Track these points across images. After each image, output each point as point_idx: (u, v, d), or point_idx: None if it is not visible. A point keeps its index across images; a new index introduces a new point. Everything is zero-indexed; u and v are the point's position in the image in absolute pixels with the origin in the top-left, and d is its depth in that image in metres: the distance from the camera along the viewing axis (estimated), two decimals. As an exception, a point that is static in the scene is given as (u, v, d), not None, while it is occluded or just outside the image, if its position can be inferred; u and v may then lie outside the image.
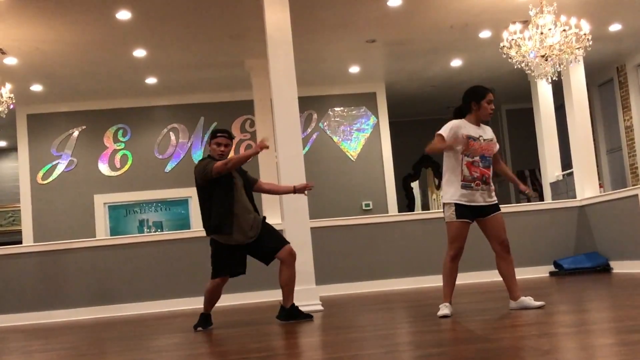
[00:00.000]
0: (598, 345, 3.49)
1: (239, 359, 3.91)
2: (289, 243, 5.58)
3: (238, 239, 5.46)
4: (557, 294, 5.21)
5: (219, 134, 5.66)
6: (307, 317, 5.60)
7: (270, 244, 5.52)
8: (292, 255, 5.53)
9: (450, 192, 4.98)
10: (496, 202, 5.08)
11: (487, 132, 5.09)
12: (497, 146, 5.16)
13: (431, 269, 9.54)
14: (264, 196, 10.36)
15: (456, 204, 4.95)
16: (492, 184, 5.04)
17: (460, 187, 4.94)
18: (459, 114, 5.15)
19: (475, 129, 5.03)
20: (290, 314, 5.56)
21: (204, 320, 5.71)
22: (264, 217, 5.71)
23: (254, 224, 5.52)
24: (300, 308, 5.71)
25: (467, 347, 3.67)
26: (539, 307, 4.90)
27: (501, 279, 5.16)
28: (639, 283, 7.11)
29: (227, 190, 5.45)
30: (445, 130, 4.99)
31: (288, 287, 5.54)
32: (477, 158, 4.95)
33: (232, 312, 7.51)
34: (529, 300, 4.95)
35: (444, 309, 4.93)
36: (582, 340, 3.66)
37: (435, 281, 9.41)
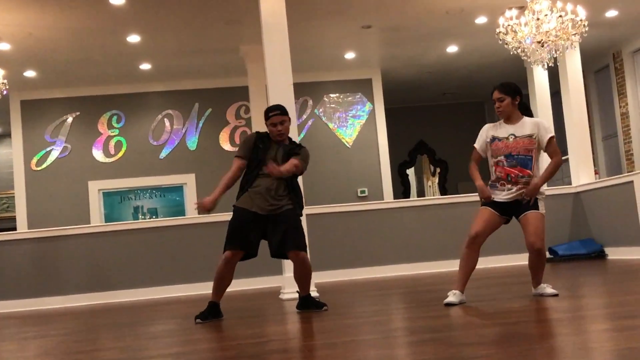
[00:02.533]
0: (592, 331, 3.50)
1: (234, 344, 3.91)
2: (304, 251, 5.16)
3: (253, 204, 5.06)
4: (552, 280, 5.21)
5: (270, 113, 5.20)
6: (319, 306, 5.26)
7: (285, 239, 5.07)
8: (302, 262, 5.17)
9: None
10: (524, 195, 4.80)
11: (525, 129, 4.85)
12: (552, 141, 4.87)
13: (426, 255, 9.57)
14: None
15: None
16: (524, 184, 4.78)
17: (489, 186, 4.94)
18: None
19: (506, 128, 4.87)
20: (303, 303, 5.35)
21: (210, 310, 5.12)
22: (298, 213, 5.23)
23: (274, 203, 5.09)
24: (295, 295, 5.66)
25: (461, 333, 3.68)
26: (552, 295, 4.80)
27: (521, 263, 5.17)
28: (634, 269, 7.13)
29: (259, 163, 5.15)
30: (477, 141, 5.04)
31: (301, 282, 5.30)
32: (501, 158, 4.82)
33: (228, 299, 7.49)
34: (543, 288, 4.90)
35: (450, 297, 4.80)
36: (576, 326, 3.67)
37: (430, 267, 9.44)
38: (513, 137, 4.83)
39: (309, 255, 6.68)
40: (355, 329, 4.25)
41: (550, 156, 4.91)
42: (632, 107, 12.57)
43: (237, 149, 5.36)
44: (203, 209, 5.09)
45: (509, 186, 4.82)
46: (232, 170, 5.25)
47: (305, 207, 6.96)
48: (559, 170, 11.68)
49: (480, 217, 4.88)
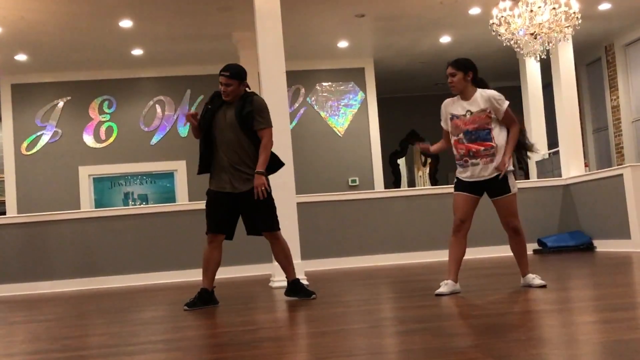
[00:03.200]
0: (580, 322, 3.52)
1: (224, 332, 3.92)
2: (275, 230, 5.17)
3: (223, 184, 5.04)
4: (541, 271, 5.24)
5: (220, 72, 5.17)
6: (307, 295, 5.26)
7: (257, 220, 5.11)
8: (276, 240, 5.20)
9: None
10: (504, 177, 4.81)
11: (479, 104, 4.84)
12: (507, 112, 4.81)
13: (416, 245, 9.61)
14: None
15: (457, 178, 4.99)
16: (491, 157, 4.79)
17: (457, 165, 4.99)
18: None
19: (462, 104, 4.90)
20: (290, 289, 5.34)
21: (200, 297, 5.08)
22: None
23: (243, 182, 5.02)
24: (285, 283, 5.66)
25: (449, 324, 3.70)
26: (540, 287, 4.83)
27: (509, 254, 5.24)
28: (622, 262, 7.18)
29: (211, 133, 5.16)
30: (442, 120, 5.11)
31: (281, 263, 5.32)
32: (461, 135, 4.86)
33: (218, 286, 7.50)
34: (531, 279, 4.92)
35: (442, 287, 4.83)
36: (564, 318, 3.69)
37: (420, 257, 9.48)
38: (470, 113, 4.87)
39: (298, 243, 6.73)
40: (345, 317, 4.27)
41: (508, 127, 4.89)
42: (623, 100, 12.61)
43: None
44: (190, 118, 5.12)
45: (474, 161, 4.84)
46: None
47: (295, 195, 6.99)
48: (550, 162, 11.70)
49: (459, 203, 4.93)
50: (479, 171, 4.84)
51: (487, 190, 4.92)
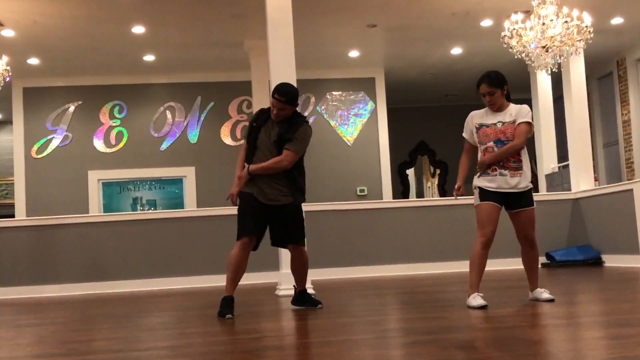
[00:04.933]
0: (588, 338, 3.50)
1: (229, 340, 3.91)
2: (302, 245, 5.19)
3: (255, 190, 4.98)
4: (549, 285, 5.22)
5: (275, 95, 5.01)
6: (314, 304, 5.27)
7: (284, 232, 5.09)
8: (300, 254, 5.17)
9: (475, 177, 4.92)
10: (526, 191, 4.82)
11: (511, 115, 4.85)
12: (520, 126, 4.79)
13: (424, 256, 9.57)
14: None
15: (480, 188, 4.84)
16: (518, 171, 4.77)
17: (478, 176, 4.89)
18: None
19: (494, 116, 4.88)
20: (297, 299, 5.35)
21: (227, 304, 4.88)
22: (298, 204, 5.13)
23: (273, 186, 4.99)
24: (291, 292, 5.65)
25: (456, 336, 3.68)
26: (548, 301, 4.79)
27: (517, 267, 5.15)
28: (631, 277, 7.13)
29: (254, 144, 5.08)
30: (465, 131, 5.05)
31: (297, 275, 5.29)
32: (490, 144, 4.81)
33: (223, 293, 7.50)
34: (539, 293, 4.88)
35: (479, 299, 4.67)
36: (572, 333, 3.67)
37: (427, 268, 9.45)
38: (501, 123, 4.85)
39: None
40: (351, 328, 4.25)
41: (512, 137, 4.82)
42: (634, 114, 12.57)
43: (237, 143, 5.28)
44: (234, 199, 5.02)
45: (502, 171, 4.79)
46: (241, 156, 5.15)
47: (304, 203, 6.97)
48: (560, 175, 11.64)
49: (489, 212, 4.79)
50: (506, 182, 4.78)
51: (510, 203, 4.84)
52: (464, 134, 5.05)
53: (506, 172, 4.79)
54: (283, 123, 5.04)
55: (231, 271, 4.94)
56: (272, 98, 5.03)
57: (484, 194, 4.83)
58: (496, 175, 4.80)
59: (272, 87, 6.95)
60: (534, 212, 4.88)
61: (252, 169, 4.97)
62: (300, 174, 5.14)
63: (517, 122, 4.82)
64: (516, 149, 4.78)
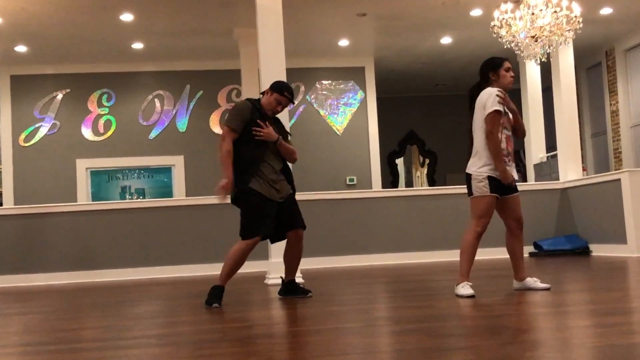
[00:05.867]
0: (575, 326, 3.52)
1: (219, 328, 3.91)
2: (303, 228, 5.21)
3: (270, 193, 4.98)
4: (536, 274, 5.24)
5: (285, 93, 5.14)
6: (305, 292, 5.27)
7: (292, 218, 5.13)
8: (300, 239, 5.22)
9: (480, 163, 4.77)
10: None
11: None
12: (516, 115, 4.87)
13: (412, 246, 9.60)
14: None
15: (489, 177, 4.76)
16: (510, 158, 4.83)
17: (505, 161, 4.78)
18: (478, 89, 4.89)
19: (498, 102, 4.78)
20: (287, 289, 5.33)
21: (217, 294, 4.92)
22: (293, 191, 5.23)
23: (285, 190, 5.10)
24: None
25: (443, 324, 3.70)
26: (545, 289, 4.80)
27: (506, 257, 5.10)
28: (618, 266, 7.18)
29: (256, 142, 5.02)
30: (496, 103, 4.72)
31: (290, 263, 5.31)
32: (510, 132, 4.82)
33: (212, 282, 7.50)
34: (533, 282, 4.88)
35: (469, 288, 4.69)
36: (559, 321, 3.70)
37: (416, 258, 9.48)
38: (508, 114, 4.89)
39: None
40: (340, 316, 4.26)
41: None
42: (623, 105, 12.62)
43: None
44: (226, 192, 4.93)
45: (510, 159, 4.83)
46: (229, 147, 4.99)
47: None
48: (548, 165, 11.70)
49: (490, 207, 4.78)
50: (514, 174, 4.84)
51: (505, 190, 4.84)
52: (499, 107, 4.73)
53: (511, 164, 4.85)
54: (278, 122, 5.29)
55: (231, 266, 4.97)
56: (281, 96, 5.10)
57: (493, 186, 4.76)
58: (510, 163, 4.82)
59: (262, 75, 6.95)
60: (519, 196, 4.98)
61: (280, 141, 5.07)
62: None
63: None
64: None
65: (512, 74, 4.89)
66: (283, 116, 6.82)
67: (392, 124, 15.05)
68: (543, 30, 8.30)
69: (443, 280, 6.24)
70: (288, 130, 5.43)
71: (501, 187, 4.79)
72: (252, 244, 4.95)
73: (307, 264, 8.13)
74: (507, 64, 4.90)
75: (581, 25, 8.42)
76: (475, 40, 11.73)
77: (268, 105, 5.11)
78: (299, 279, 6.39)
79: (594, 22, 10.90)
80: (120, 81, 12.38)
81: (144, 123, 12.41)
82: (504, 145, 4.77)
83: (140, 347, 3.40)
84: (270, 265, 6.74)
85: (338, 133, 12.85)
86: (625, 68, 12.59)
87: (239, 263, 4.99)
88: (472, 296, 4.63)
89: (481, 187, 4.77)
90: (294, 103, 5.30)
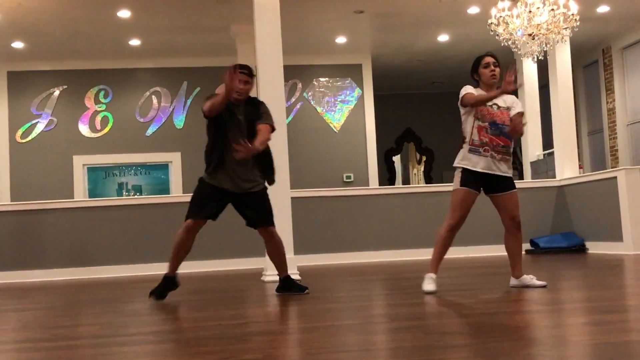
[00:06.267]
0: (571, 324, 3.53)
1: (215, 325, 3.91)
2: (273, 225, 5.18)
3: (224, 183, 5.03)
4: (533, 272, 5.25)
5: (239, 68, 5.04)
6: (300, 290, 5.27)
7: (256, 216, 5.11)
8: (271, 235, 5.19)
9: (460, 156, 4.87)
10: (511, 176, 4.88)
11: (506, 101, 4.88)
12: (517, 114, 4.86)
13: (409, 243, 9.61)
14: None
15: (463, 169, 4.83)
16: (506, 156, 4.82)
17: (468, 151, 4.83)
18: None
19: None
20: (283, 286, 5.33)
21: (166, 285, 5.15)
22: (266, 186, 5.19)
23: (249, 177, 5.05)
24: (277, 277, 5.66)
25: (440, 322, 3.70)
26: (542, 287, 4.82)
27: (503, 254, 5.15)
28: (614, 264, 7.20)
29: (222, 130, 5.05)
30: (467, 89, 4.86)
31: (274, 261, 5.33)
32: (486, 124, 4.80)
33: (209, 279, 7.51)
34: (530, 279, 4.90)
35: (430, 284, 4.78)
36: (555, 319, 3.70)
37: (412, 255, 9.48)
38: (497, 106, 4.86)
39: (291, 237, 6.74)
40: (336, 313, 4.27)
41: (507, 123, 4.88)
42: (619, 103, 12.64)
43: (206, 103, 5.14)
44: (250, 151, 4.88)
45: (493, 153, 4.80)
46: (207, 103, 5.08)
47: (290, 190, 6.98)
48: (544, 163, 11.73)
49: (461, 200, 4.83)
50: (493, 165, 4.80)
51: (492, 186, 4.86)
52: (470, 89, 4.86)
53: (496, 155, 4.81)
54: (246, 105, 5.14)
55: (175, 252, 5.12)
56: (234, 73, 4.89)
57: (465, 179, 4.82)
58: (487, 156, 4.80)
59: (260, 72, 6.96)
60: (517, 195, 4.92)
61: (259, 146, 4.92)
62: (268, 155, 5.19)
63: (516, 111, 4.86)
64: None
65: (493, 68, 4.88)
66: (280, 110, 6.84)
67: (389, 121, 15.05)
68: (540, 28, 8.30)
69: (439, 277, 6.23)
70: (262, 110, 5.17)
71: (481, 180, 4.80)
72: (184, 227, 5.07)
73: (303, 260, 8.14)
74: (485, 60, 4.93)
75: (578, 23, 8.43)
76: (473, 37, 11.73)
77: (231, 90, 4.94)
78: (295, 275, 6.40)
79: (591, 20, 10.91)
80: (117, 78, 12.36)
81: (141, 120, 12.39)
82: (476, 137, 4.81)
83: (137, 343, 3.40)
84: (267, 262, 6.72)
85: (335, 130, 12.85)
86: (622, 66, 12.60)
87: (178, 247, 5.10)
88: (432, 292, 4.72)
89: (455, 180, 4.88)
90: (253, 75, 5.15)
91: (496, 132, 4.81)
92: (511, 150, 4.89)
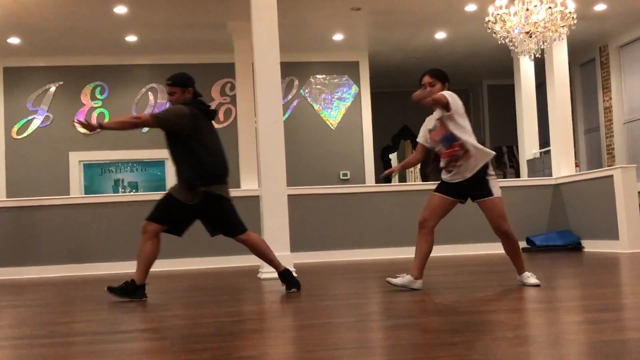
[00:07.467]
0: (566, 322, 3.53)
1: (210, 322, 3.91)
2: (239, 234, 5.17)
3: (182, 196, 5.26)
4: (529, 270, 5.25)
5: (166, 82, 5.27)
6: (290, 287, 5.26)
7: (224, 227, 5.17)
8: (244, 242, 5.21)
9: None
10: (486, 180, 4.85)
11: (432, 119, 5.03)
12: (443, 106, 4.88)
13: (405, 240, 9.59)
14: (241, 161, 10.33)
15: (440, 180, 5.04)
16: (463, 155, 4.80)
17: (443, 173, 5.02)
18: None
19: (433, 117, 5.02)
20: (282, 279, 5.32)
21: (133, 289, 5.11)
22: (218, 195, 5.19)
23: (189, 194, 5.25)
24: (274, 275, 5.65)
25: (436, 319, 3.71)
26: (534, 286, 4.84)
27: (501, 252, 5.24)
28: (610, 262, 7.21)
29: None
30: (419, 137, 5.18)
31: (263, 259, 5.36)
32: (440, 147, 4.93)
33: (206, 276, 7.51)
34: (526, 277, 4.93)
35: (398, 278, 4.92)
36: (551, 317, 3.71)
37: (408, 252, 9.45)
38: (439, 122, 4.92)
39: (288, 234, 6.73)
40: (332, 311, 4.27)
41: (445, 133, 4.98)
42: (616, 101, 12.65)
43: (220, 125, 5.37)
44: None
45: (459, 162, 4.84)
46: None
47: (286, 187, 6.97)
48: (541, 161, 11.71)
49: (430, 201, 4.99)
50: (463, 170, 4.85)
51: (467, 193, 4.93)
52: (419, 139, 5.17)
53: (461, 161, 4.83)
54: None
55: (141, 257, 5.40)
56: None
57: (438, 186, 5.04)
58: (457, 169, 4.88)
59: (256, 69, 6.96)
60: (498, 201, 4.85)
61: (103, 123, 5.31)
62: (189, 157, 5.38)
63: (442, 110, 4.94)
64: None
65: (424, 87, 5.07)
66: (276, 107, 6.83)
67: (386, 119, 15.04)
68: (537, 26, 8.30)
69: (435, 275, 6.25)
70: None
71: (455, 189, 4.90)
72: (143, 230, 5.35)
73: (299, 258, 8.14)
74: (422, 82, 5.15)
75: (575, 22, 8.43)
76: (470, 35, 11.73)
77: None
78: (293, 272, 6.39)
79: (588, 19, 10.92)
80: (113, 74, 12.34)
81: (138, 116, 12.35)
82: (443, 163, 4.95)
83: (133, 340, 3.40)
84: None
85: (332, 127, 12.84)
86: (619, 64, 12.62)
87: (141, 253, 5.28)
88: (390, 283, 4.88)
89: None
90: (169, 81, 5.27)
91: (447, 144, 4.87)
92: (462, 144, 4.81)
